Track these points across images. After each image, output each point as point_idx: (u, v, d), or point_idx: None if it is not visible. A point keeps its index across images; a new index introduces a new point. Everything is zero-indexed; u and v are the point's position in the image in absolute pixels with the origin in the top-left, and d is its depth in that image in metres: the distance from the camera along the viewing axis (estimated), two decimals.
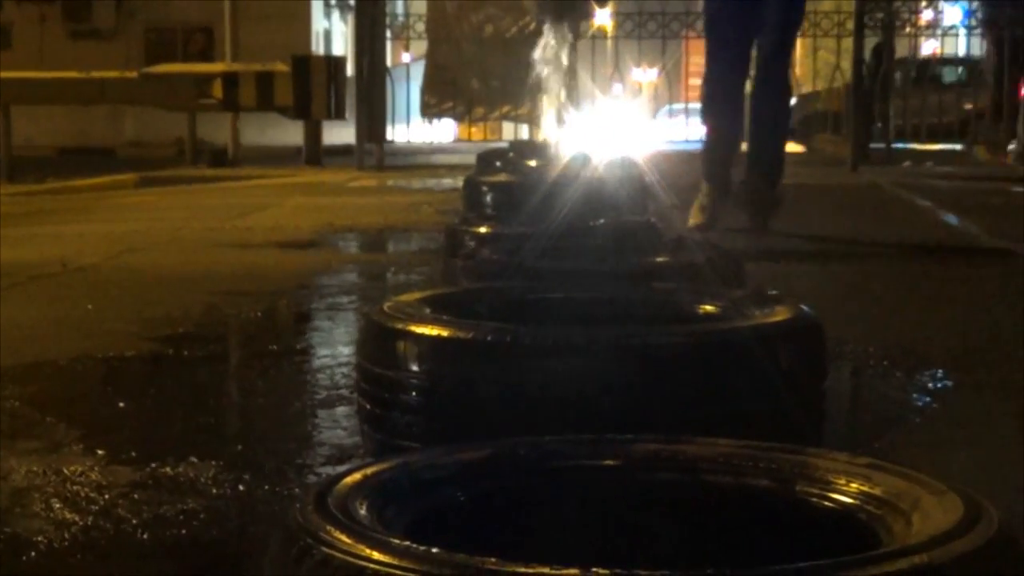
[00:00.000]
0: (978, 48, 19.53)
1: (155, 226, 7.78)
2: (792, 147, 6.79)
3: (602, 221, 3.61)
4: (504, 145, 9.99)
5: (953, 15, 21.45)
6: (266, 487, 2.51)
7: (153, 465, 2.63)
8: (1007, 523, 1.21)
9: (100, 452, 2.74)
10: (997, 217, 8.05)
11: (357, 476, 1.36)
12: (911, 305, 4.88)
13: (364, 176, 13.30)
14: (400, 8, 24.03)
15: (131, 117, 25.51)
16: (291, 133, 18.25)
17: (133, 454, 2.72)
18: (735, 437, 1.53)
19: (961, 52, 21.52)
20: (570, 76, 14.85)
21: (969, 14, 18.32)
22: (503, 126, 19.83)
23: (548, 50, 10.41)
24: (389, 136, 15.36)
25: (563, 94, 13.94)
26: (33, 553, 2.16)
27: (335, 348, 4.00)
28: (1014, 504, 2.16)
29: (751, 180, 6.77)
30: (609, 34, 20.65)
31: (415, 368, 1.97)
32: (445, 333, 1.96)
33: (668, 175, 7.53)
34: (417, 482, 1.40)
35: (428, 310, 2.14)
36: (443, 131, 19.84)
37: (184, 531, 2.26)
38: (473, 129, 19.39)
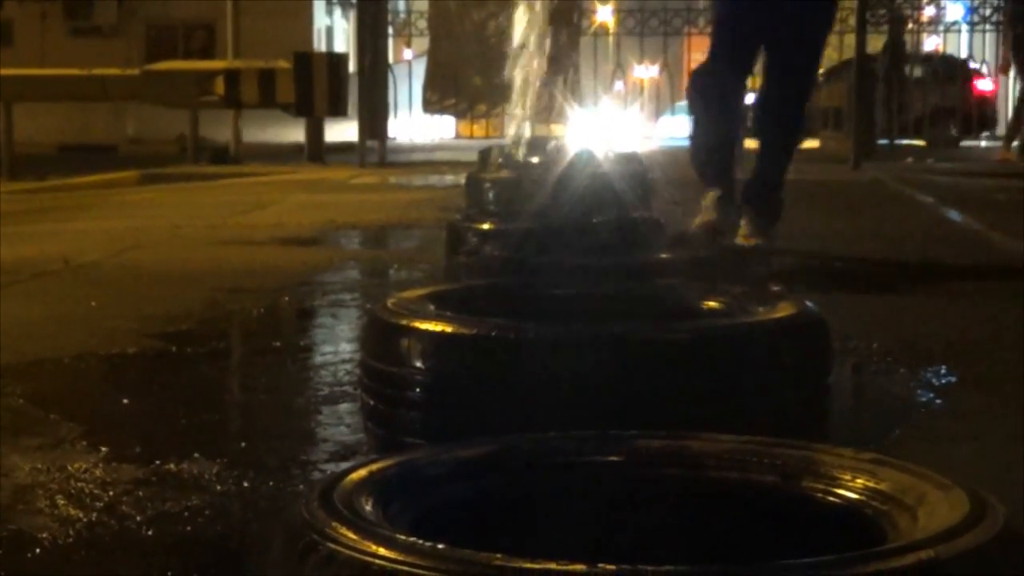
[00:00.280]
0: (980, 44, 19.52)
1: (157, 223, 7.78)
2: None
3: (604, 218, 3.61)
4: (506, 142, 9.99)
5: (955, 11, 21.45)
6: (270, 484, 2.50)
7: (156, 462, 2.63)
8: (1013, 519, 1.21)
9: (103, 449, 2.73)
10: (999, 213, 8.05)
11: (362, 472, 1.36)
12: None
13: (366, 173, 13.30)
14: (402, 5, 24.03)
15: (132, 114, 25.50)
16: (293, 130, 18.24)
17: (136, 451, 2.72)
18: (739, 433, 1.53)
19: (963, 49, 21.51)
20: (572, 72, 14.85)
21: (971, 10, 18.32)
22: (505, 123, 19.84)
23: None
24: (391, 133, 15.36)
25: (565, 91, 13.94)
26: (37, 550, 2.15)
27: (338, 344, 4.00)
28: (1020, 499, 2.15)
29: (753, 185, 6.32)
30: (611, 31, 20.65)
31: (419, 364, 1.97)
32: (448, 329, 1.96)
33: (670, 171, 7.53)
34: (422, 478, 1.40)
35: (431, 306, 2.14)
36: (444, 128, 19.84)
37: (188, 528, 2.26)
38: (475, 126, 19.40)
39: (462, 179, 6.46)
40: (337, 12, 31.90)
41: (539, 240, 3.16)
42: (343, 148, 17.25)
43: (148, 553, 2.16)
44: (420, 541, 1.16)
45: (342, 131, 17.87)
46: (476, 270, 2.92)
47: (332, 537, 1.18)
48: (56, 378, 3.55)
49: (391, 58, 15.93)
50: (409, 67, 17.41)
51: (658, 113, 28.11)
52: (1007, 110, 18.57)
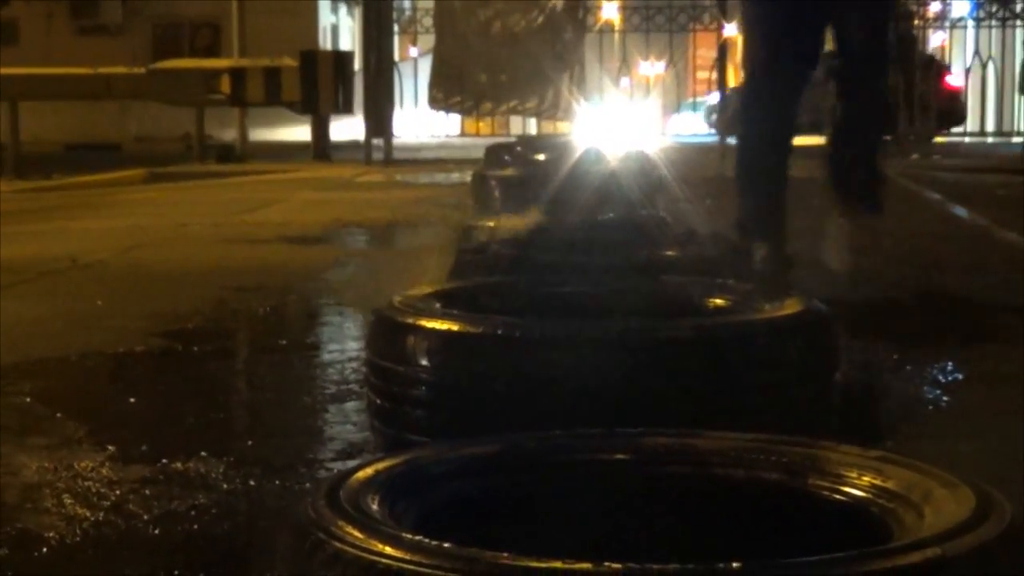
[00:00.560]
0: (986, 40, 19.51)
1: (163, 222, 7.78)
2: (809, 139, 5.47)
3: (612, 215, 3.61)
4: (512, 139, 10.00)
5: (961, 7, 21.42)
6: (276, 482, 2.51)
7: (163, 460, 2.63)
8: (1020, 516, 1.21)
9: (110, 448, 2.74)
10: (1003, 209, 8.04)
11: (368, 471, 1.36)
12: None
13: (372, 171, 13.30)
14: (407, 3, 24.03)
15: (138, 113, 25.49)
16: (298, 128, 18.25)
17: (143, 449, 2.72)
18: (745, 430, 1.53)
19: (970, 44, 21.49)
20: (579, 69, 14.85)
21: (977, 6, 18.30)
22: (511, 120, 19.85)
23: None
24: (396, 131, 15.36)
25: (572, 87, 13.92)
26: (44, 549, 2.16)
27: (344, 343, 4.00)
28: None
29: (845, 158, 4.99)
30: (616, 28, 20.64)
31: (425, 363, 1.97)
32: (455, 328, 1.96)
33: (679, 169, 7.52)
34: (427, 477, 1.40)
35: (437, 305, 2.14)
36: (450, 125, 19.84)
37: (195, 526, 2.26)
38: (480, 123, 19.40)
39: (468, 177, 6.47)
40: (343, 10, 31.89)
41: (545, 238, 3.16)
42: (349, 146, 17.26)
43: (155, 552, 2.16)
44: (426, 540, 1.16)
45: (348, 129, 17.87)
46: (483, 268, 2.92)
47: (338, 536, 1.18)
48: (63, 377, 3.56)
49: (396, 56, 15.93)
50: (415, 64, 17.44)
51: (668, 110, 28.08)
52: (979, 105, 18.64)
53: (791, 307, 2.08)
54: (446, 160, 14.73)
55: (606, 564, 1.09)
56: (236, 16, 17.24)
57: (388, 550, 1.14)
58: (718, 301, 2.28)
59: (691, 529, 1.44)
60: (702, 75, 26.84)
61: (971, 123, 20.19)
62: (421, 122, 18.91)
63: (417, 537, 1.17)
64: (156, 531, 2.24)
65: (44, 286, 5.18)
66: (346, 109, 15.36)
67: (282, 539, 1.25)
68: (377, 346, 2.09)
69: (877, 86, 4.99)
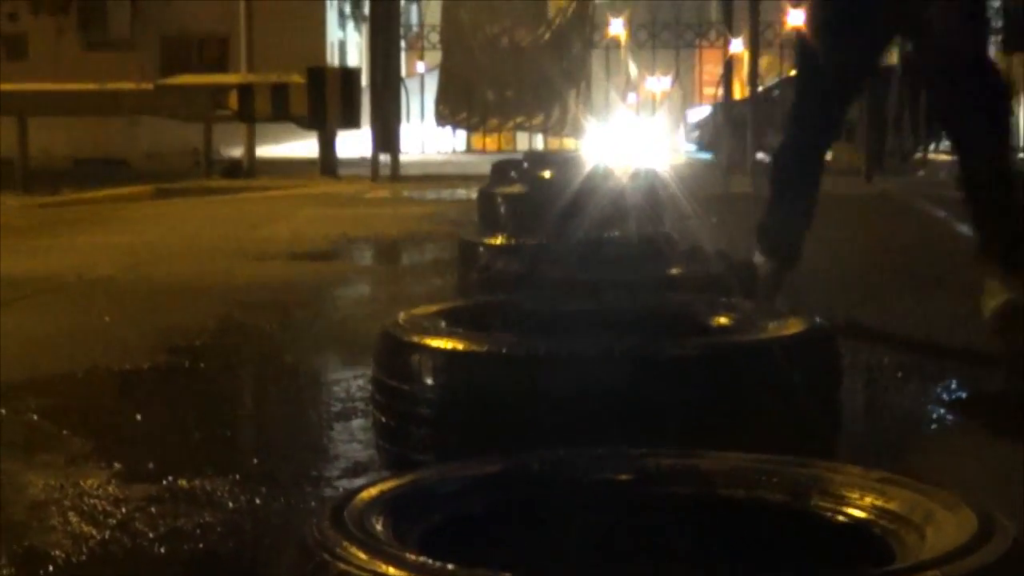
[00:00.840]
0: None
1: (170, 237, 7.80)
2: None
3: (617, 233, 3.61)
4: (518, 155, 9.99)
5: None
6: (282, 500, 2.51)
7: (169, 478, 2.64)
8: (1022, 537, 1.21)
9: (116, 465, 2.74)
10: None
11: (373, 491, 1.37)
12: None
13: (378, 187, 13.31)
14: (415, 19, 24.07)
15: (146, 128, 25.53)
16: (306, 144, 18.27)
17: (149, 467, 2.73)
18: (750, 449, 1.53)
19: None
20: (585, 86, 14.87)
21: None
22: (517, 136, 19.86)
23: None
24: (403, 146, 15.37)
25: (579, 103, 13.95)
26: (51, 567, 2.16)
27: (350, 360, 4.01)
28: None
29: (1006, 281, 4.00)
30: (622, 44, 20.66)
31: (430, 381, 1.97)
32: (460, 346, 1.96)
33: (687, 184, 7.52)
34: (432, 496, 1.41)
35: (443, 323, 2.14)
36: (457, 141, 19.86)
37: (200, 545, 2.27)
38: (487, 139, 19.41)
39: (474, 193, 6.47)
40: (350, 26, 31.95)
41: (551, 256, 3.16)
42: (356, 162, 17.28)
43: (161, 570, 2.16)
44: (430, 560, 1.16)
45: (355, 144, 17.89)
46: (488, 286, 2.92)
47: (343, 557, 1.18)
48: (69, 393, 3.56)
49: (403, 71, 15.95)
50: (421, 80, 17.44)
51: (675, 125, 28.07)
52: None
53: (794, 326, 2.08)
54: (453, 176, 14.74)
55: None
56: (244, 31, 17.28)
57: (392, 571, 1.15)
58: (723, 319, 2.29)
59: (694, 549, 1.44)
60: (708, 91, 26.89)
61: None
62: (428, 138, 18.93)
63: (422, 558, 1.18)
64: (162, 549, 2.24)
65: (51, 301, 5.19)
66: (353, 125, 15.39)
67: (287, 559, 1.25)
68: (383, 364, 2.09)
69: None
